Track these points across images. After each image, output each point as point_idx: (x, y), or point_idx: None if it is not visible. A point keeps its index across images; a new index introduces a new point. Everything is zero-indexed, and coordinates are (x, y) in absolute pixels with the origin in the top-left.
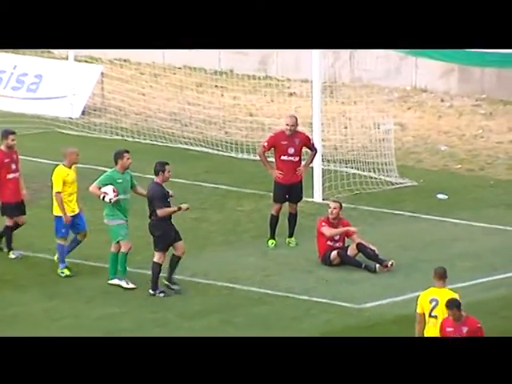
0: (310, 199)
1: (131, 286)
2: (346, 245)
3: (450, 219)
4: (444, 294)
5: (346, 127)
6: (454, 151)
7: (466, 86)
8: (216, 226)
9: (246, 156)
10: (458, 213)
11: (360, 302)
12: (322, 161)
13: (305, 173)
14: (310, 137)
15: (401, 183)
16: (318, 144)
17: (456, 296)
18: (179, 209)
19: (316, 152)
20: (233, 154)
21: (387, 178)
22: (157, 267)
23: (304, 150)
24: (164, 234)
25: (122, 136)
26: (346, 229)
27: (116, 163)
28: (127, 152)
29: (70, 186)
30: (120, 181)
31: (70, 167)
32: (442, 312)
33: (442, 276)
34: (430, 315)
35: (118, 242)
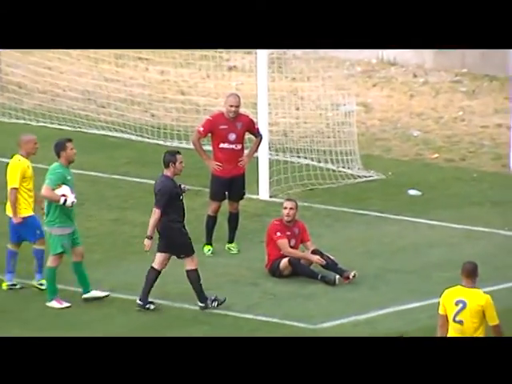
0: (255, 196)
1: (65, 304)
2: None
3: (424, 220)
4: (473, 295)
5: (297, 108)
6: (429, 137)
7: (444, 58)
8: (140, 229)
9: (176, 143)
10: (434, 212)
11: (316, 322)
12: (269, 149)
13: (248, 164)
14: (255, 120)
15: (365, 177)
16: (263, 129)
17: (487, 298)
18: None
19: (261, 139)
20: (160, 142)
21: (348, 171)
22: (197, 275)
23: (247, 136)
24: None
25: (24, 119)
26: (310, 256)
27: (59, 156)
28: (70, 141)
29: (30, 181)
30: (69, 178)
31: (28, 158)
32: (470, 317)
33: (471, 273)
34: (454, 320)
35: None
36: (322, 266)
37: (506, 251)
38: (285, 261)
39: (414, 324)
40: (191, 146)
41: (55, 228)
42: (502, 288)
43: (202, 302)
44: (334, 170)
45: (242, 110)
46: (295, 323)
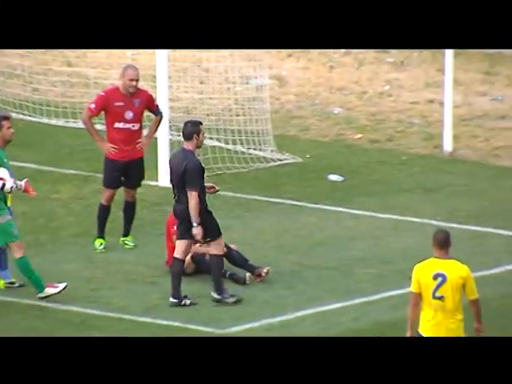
0: (154, 183)
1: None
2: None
3: (347, 209)
4: (453, 267)
5: (202, 82)
6: (351, 115)
7: None
8: (21, 220)
9: (62, 123)
10: (357, 200)
11: (224, 326)
12: (170, 129)
13: (147, 146)
14: (154, 96)
15: (279, 160)
16: (163, 106)
17: (467, 269)
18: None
19: (162, 117)
20: (44, 120)
21: (260, 153)
22: (221, 261)
23: (146, 114)
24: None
25: None
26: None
27: None
28: (6, 119)
29: None
30: (6, 160)
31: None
32: (451, 291)
33: (444, 243)
34: (433, 296)
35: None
36: (231, 263)
37: None
38: (188, 257)
39: (335, 328)
40: (80, 126)
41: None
42: None
43: (218, 294)
44: (243, 153)
45: (139, 85)
46: (200, 327)
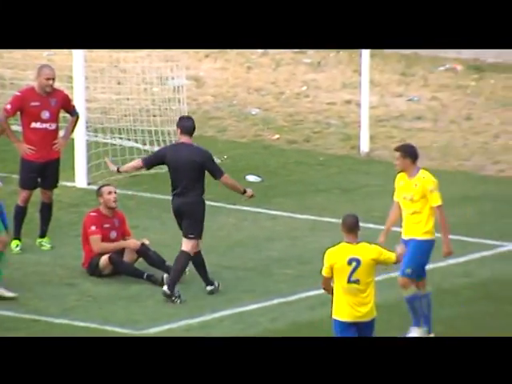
0: (71, 184)
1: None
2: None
3: (264, 210)
4: (364, 250)
5: (119, 83)
6: (269, 116)
7: None
8: None
9: None
10: (275, 201)
11: (141, 327)
12: (87, 130)
13: (64, 147)
14: (70, 96)
15: None
16: (80, 106)
17: (376, 249)
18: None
19: (78, 117)
20: None
21: None
22: (187, 260)
23: (62, 114)
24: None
25: None
26: (125, 243)
27: None
28: None
29: None
30: None
31: None
32: (365, 274)
33: (353, 227)
34: (349, 280)
35: None
36: (148, 263)
37: None
38: (105, 258)
39: (254, 328)
40: None
41: None
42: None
43: (169, 289)
44: None
45: (56, 85)
46: (117, 329)
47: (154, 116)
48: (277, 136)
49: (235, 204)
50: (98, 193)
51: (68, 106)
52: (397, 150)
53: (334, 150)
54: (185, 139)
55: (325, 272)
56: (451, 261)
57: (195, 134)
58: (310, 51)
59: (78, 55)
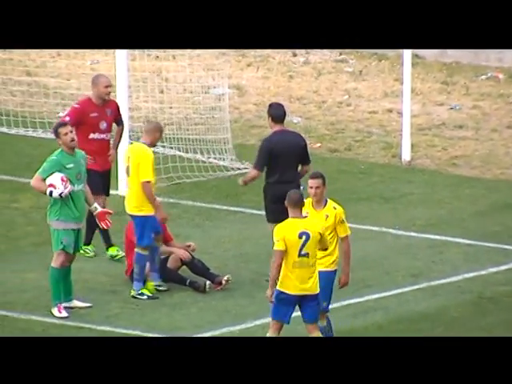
0: (114, 192)
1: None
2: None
3: None
4: (311, 224)
5: (162, 91)
6: (310, 124)
7: None
8: None
9: (22, 132)
10: None
11: (185, 334)
12: (130, 138)
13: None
14: (118, 103)
15: (239, 169)
16: (124, 115)
17: (321, 224)
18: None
19: (123, 127)
20: (4, 130)
21: (220, 162)
22: None
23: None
24: None
25: None
26: (175, 250)
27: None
28: (63, 125)
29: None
30: (70, 165)
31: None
32: (314, 247)
33: (298, 203)
34: (299, 254)
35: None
36: (192, 271)
37: (395, 253)
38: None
39: (292, 335)
40: (40, 135)
41: (55, 221)
42: (392, 295)
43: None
44: (203, 162)
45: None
46: (161, 335)
47: (197, 124)
48: (318, 144)
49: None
50: None
51: (118, 115)
52: (318, 177)
53: (375, 158)
54: (279, 126)
55: (279, 246)
56: (492, 269)
57: (238, 141)
58: (352, 60)
59: (121, 64)
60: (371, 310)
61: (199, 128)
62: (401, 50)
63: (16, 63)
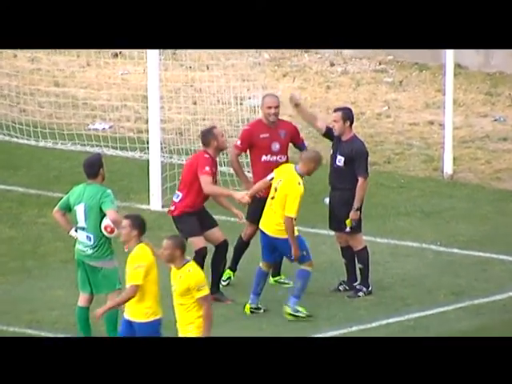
0: (145, 206)
1: None
2: None
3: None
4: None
5: (195, 103)
6: None
7: None
8: (7, 246)
9: (50, 145)
10: None
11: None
12: (162, 151)
13: None
14: (296, 126)
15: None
16: (155, 127)
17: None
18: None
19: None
20: (32, 142)
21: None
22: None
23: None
24: None
25: None
26: (233, 192)
27: (96, 176)
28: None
29: None
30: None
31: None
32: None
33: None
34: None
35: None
36: (213, 259)
37: (437, 270)
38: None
39: None
40: (69, 147)
41: (107, 261)
42: (432, 314)
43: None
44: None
45: (129, 104)
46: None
47: (231, 137)
48: None
49: (313, 227)
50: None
51: (297, 138)
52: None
53: (415, 171)
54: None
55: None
56: None
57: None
58: (392, 70)
59: (152, 74)
60: (410, 330)
61: (233, 140)
62: (442, 60)
63: (44, 73)
